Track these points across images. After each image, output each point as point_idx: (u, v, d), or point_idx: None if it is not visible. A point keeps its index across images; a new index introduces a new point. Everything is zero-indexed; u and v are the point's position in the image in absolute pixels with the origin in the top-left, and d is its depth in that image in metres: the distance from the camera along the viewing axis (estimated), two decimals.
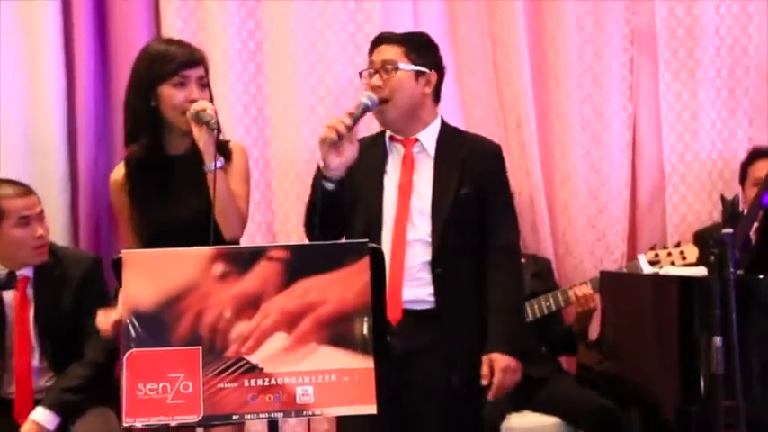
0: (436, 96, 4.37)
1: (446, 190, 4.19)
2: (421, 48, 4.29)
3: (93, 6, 5.97)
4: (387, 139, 4.35)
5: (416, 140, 4.28)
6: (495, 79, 6.21)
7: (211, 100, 4.37)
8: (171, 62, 4.25)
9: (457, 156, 4.25)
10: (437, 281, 4.16)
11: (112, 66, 6.01)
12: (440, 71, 4.36)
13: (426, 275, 4.16)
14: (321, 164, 4.05)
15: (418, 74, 4.22)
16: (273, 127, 5.98)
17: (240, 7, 5.95)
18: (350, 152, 3.98)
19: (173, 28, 5.82)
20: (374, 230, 4.19)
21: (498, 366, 4.07)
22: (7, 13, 5.75)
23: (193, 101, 4.16)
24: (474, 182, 4.21)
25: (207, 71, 4.40)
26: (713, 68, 6.12)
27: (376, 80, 4.21)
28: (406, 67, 4.19)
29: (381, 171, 4.30)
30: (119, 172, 4.41)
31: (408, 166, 4.27)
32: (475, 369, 4.14)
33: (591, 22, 6.14)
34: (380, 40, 4.33)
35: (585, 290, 5.37)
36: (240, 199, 4.36)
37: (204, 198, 4.12)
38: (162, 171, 4.35)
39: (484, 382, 4.08)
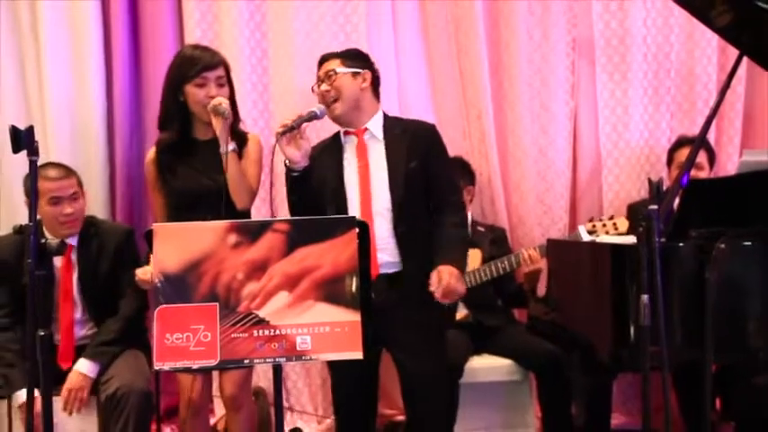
0: (375, 92, 4.45)
1: (398, 166, 4.25)
2: (354, 57, 4.43)
3: (127, 18, 5.99)
4: (341, 135, 4.42)
5: (366, 129, 4.35)
6: (460, 79, 6.21)
7: (232, 93, 4.59)
8: (194, 66, 4.45)
9: (402, 138, 4.32)
10: (401, 244, 4.21)
11: (143, 68, 6.03)
12: (373, 72, 4.45)
13: (392, 241, 4.21)
14: (286, 160, 4.20)
15: (354, 73, 4.33)
16: (276, 119, 5.95)
17: (249, 21, 5.97)
18: (304, 145, 4.17)
19: (193, 37, 5.85)
20: (341, 210, 4.24)
21: (444, 274, 4.04)
22: (55, 20, 5.77)
23: (212, 97, 4.35)
24: (419, 156, 4.27)
25: (228, 71, 4.57)
26: (641, 71, 6.12)
27: (324, 87, 4.33)
28: (343, 70, 4.31)
29: (340, 161, 4.35)
30: (151, 153, 4.60)
31: (363, 152, 4.33)
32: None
33: (539, 33, 6.13)
34: (323, 59, 4.46)
35: (533, 253, 5.38)
36: (251, 177, 4.53)
37: (222, 174, 4.33)
38: (187, 151, 4.52)
39: (432, 289, 4.05)
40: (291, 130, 4.11)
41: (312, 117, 4.19)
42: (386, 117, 4.43)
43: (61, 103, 5.80)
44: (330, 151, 4.40)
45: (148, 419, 4.66)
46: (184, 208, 4.44)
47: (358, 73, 4.34)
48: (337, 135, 4.45)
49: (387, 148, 4.31)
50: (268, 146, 5.76)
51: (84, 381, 4.56)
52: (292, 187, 4.27)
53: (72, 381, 4.55)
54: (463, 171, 5.75)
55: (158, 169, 4.56)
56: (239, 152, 4.50)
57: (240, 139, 4.55)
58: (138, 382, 4.50)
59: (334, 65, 4.34)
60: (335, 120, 4.38)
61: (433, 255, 4.19)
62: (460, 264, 4.22)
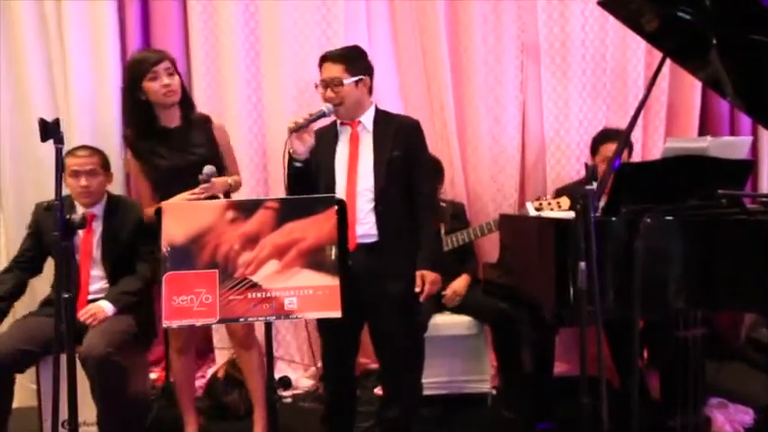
0: (370, 91, 4.39)
1: (383, 153, 4.21)
2: (355, 60, 4.30)
3: (140, 26, 6.05)
4: (338, 124, 4.37)
5: (359, 122, 4.31)
6: (425, 77, 6.22)
7: (182, 81, 4.59)
8: (144, 64, 4.42)
9: (388, 130, 4.29)
10: (379, 219, 4.20)
11: None
12: (371, 73, 4.39)
13: (371, 217, 4.19)
14: (291, 150, 4.13)
15: (357, 81, 4.25)
16: (268, 110, 6.05)
17: (245, 26, 6.00)
18: (309, 140, 4.13)
19: (197, 42, 5.95)
20: (331, 187, 4.22)
21: (428, 280, 4.15)
22: (78, 26, 5.82)
23: (165, 85, 4.41)
24: (401, 147, 4.24)
25: (174, 63, 4.53)
26: (580, 69, 6.13)
27: (329, 93, 4.23)
28: (348, 80, 4.21)
29: (334, 146, 4.32)
30: (128, 153, 4.63)
31: (354, 140, 4.29)
32: (409, 282, 4.20)
33: (493, 37, 6.15)
34: (325, 58, 4.32)
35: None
36: (232, 172, 4.71)
37: (193, 154, 4.49)
38: (163, 138, 4.51)
39: (417, 290, 4.15)
40: (301, 129, 4.07)
41: (321, 116, 4.15)
42: (377, 111, 4.39)
43: (83, 99, 5.86)
44: (327, 137, 4.36)
45: (111, 381, 4.44)
46: (173, 183, 4.41)
47: (360, 80, 4.27)
48: (335, 123, 4.41)
49: (374, 139, 4.29)
50: (261, 133, 5.91)
51: (101, 312, 4.58)
52: (295, 177, 4.20)
53: (92, 306, 4.62)
54: (435, 170, 5.69)
55: (140, 161, 4.53)
56: (204, 130, 4.63)
57: (200, 123, 4.65)
58: (97, 348, 4.35)
59: (338, 72, 4.22)
60: (338, 117, 4.33)
61: (418, 252, 4.25)
62: (437, 264, 4.24)
